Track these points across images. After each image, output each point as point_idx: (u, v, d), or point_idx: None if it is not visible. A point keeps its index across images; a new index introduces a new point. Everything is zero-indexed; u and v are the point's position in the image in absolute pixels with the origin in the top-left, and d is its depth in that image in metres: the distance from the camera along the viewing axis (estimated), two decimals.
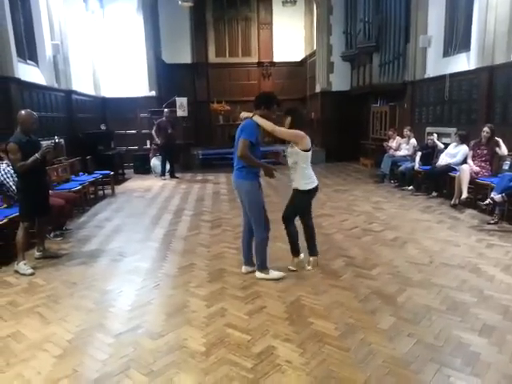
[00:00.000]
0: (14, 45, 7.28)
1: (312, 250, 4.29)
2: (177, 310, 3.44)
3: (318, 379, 2.50)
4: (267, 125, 3.78)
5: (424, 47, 9.50)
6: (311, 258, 4.28)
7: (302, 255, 4.26)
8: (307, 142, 3.94)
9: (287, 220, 4.12)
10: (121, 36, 12.44)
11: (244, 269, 4.20)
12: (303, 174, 3.99)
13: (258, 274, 4.04)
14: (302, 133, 3.93)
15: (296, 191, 4.08)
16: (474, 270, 4.13)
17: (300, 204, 4.15)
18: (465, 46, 8.11)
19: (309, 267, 4.22)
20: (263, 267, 4.04)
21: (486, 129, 6.53)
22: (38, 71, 8.85)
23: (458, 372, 2.53)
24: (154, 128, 10.63)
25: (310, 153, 4.00)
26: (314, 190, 4.07)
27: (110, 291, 3.88)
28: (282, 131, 3.92)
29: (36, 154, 4.21)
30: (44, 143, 4.73)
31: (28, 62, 8.46)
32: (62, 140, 7.88)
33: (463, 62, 8.13)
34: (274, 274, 4.02)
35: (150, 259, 4.73)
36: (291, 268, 4.20)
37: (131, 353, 2.83)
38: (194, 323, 3.22)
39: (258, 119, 3.77)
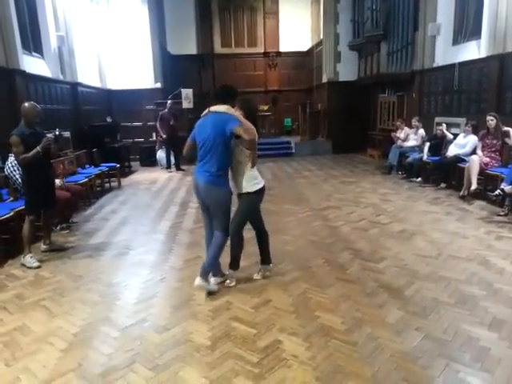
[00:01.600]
0: (18, 37, 7.25)
1: (266, 258, 3.92)
2: (182, 304, 3.43)
3: (325, 374, 2.47)
4: (242, 119, 3.36)
5: (433, 35, 9.31)
6: (262, 267, 3.91)
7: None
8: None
9: (234, 230, 3.63)
10: (126, 27, 12.37)
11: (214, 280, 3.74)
12: (249, 174, 3.54)
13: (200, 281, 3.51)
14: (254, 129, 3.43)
15: (243, 195, 3.60)
16: (483, 262, 4.07)
17: (249, 208, 3.68)
18: (475, 33, 7.94)
19: (258, 276, 3.86)
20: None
21: (489, 117, 6.43)
22: (43, 63, 8.83)
23: (467, 367, 2.49)
24: (158, 121, 10.59)
25: None
26: (262, 191, 3.64)
27: (115, 284, 3.88)
28: (249, 126, 3.37)
29: (37, 147, 4.19)
30: (49, 135, 4.71)
31: (33, 54, 8.45)
32: (64, 133, 7.85)
33: (473, 51, 7.96)
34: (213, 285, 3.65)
35: (156, 252, 4.73)
36: (230, 284, 3.75)
37: (137, 346, 2.83)
38: (200, 316, 3.20)
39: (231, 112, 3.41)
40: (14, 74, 6.91)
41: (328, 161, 11.91)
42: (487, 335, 2.81)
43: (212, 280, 3.68)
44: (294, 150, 13.39)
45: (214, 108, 3.45)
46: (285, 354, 2.67)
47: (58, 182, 5.53)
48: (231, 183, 3.60)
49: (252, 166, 3.53)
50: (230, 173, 3.61)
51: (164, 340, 2.89)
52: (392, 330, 2.92)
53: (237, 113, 3.41)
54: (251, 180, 3.56)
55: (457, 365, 2.51)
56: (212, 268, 3.63)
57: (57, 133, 4.47)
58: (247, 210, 3.67)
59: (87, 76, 10.80)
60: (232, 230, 3.61)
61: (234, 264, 3.78)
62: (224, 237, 3.58)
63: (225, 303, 3.41)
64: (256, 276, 3.87)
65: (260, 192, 3.63)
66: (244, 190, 3.56)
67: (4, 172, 5.34)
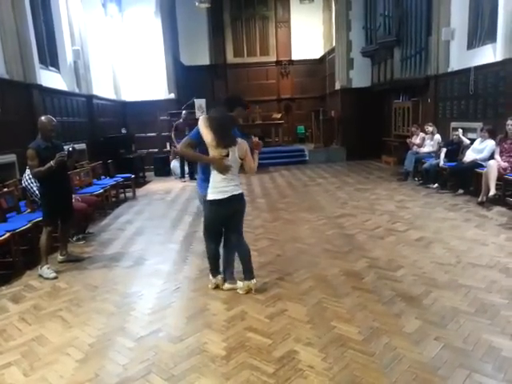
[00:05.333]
0: (36, 52, 7.46)
1: (245, 274, 3.76)
2: (197, 314, 3.42)
3: None
4: (202, 128, 3.48)
5: (447, 40, 9.22)
6: (243, 283, 3.76)
7: (219, 277, 3.88)
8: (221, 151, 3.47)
9: (204, 236, 3.84)
10: (139, 40, 12.58)
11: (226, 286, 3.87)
12: (212, 180, 3.52)
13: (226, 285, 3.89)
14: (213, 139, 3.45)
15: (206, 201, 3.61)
16: (504, 270, 3.96)
17: (207, 216, 3.68)
18: (490, 37, 7.83)
19: (240, 291, 3.75)
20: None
21: (510, 121, 6.31)
22: (60, 77, 9.03)
23: (490, 378, 2.42)
24: (173, 131, 10.68)
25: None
26: (219, 203, 3.50)
27: (131, 294, 3.89)
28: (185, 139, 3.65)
29: (51, 162, 4.26)
30: (66, 147, 4.79)
31: (49, 68, 8.64)
32: (78, 146, 8.03)
33: (489, 54, 7.85)
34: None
35: (171, 262, 4.74)
36: (209, 286, 3.88)
37: (152, 357, 2.82)
38: (215, 327, 3.19)
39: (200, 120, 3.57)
40: (31, 88, 7.09)
41: (342, 168, 11.84)
42: (510, 345, 2.72)
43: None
44: (307, 158, 13.35)
45: None
46: (301, 365, 2.64)
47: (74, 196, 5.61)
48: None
49: (222, 174, 3.47)
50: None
51: (179, 350, 2.88)
52: (410, 339, 2.86)
53: (202, 123, 3.49)
54: (211, 187, 3.52)
55: (478, 375, 2.44)
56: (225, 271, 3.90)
57: (70, 149, 4.55)
58: (204, 217, 3.73)
59: (102, 88, 11.00)
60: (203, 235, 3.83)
61: (211, 269, 3.87)
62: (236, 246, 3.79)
63: (239, 313, 3.38)
64: (239, 290, 3.75)
65: (214, 204, 3.51)
66: (207, 197, 3.57)
67: (22, 184, 5.45)
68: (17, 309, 3.70)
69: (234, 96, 3.97)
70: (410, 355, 2.67)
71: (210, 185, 3.52)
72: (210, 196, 3.52)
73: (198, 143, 3.49)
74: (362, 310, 3.33)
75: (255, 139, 3.83)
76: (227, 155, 3.45)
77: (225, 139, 3.43)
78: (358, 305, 3.41)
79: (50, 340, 3.13)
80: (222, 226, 3.77)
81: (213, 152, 3.44)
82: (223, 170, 3.46)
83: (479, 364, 2.55)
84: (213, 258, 3.83)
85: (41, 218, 4.69)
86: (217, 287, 3.87)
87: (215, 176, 3.50)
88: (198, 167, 3.80)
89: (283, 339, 2.95)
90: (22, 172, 5.57)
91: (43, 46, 8.35)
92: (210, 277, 3.90)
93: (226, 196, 3.50)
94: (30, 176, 5.21)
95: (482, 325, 2.99)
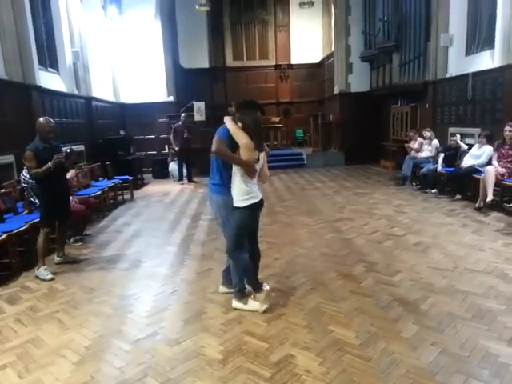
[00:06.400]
0: (35, 53, 7.43)
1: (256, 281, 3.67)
2: (194, 317, 3.41)
3: None
4: (232, 129, 3.33)
5: (445, 46, 9.28)
6: (260, 294, 3.59)
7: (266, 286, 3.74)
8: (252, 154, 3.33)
9: (229, 249, 3.48)
10: (139, 42, 12.59)
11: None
12: (240, 187, 3.33)
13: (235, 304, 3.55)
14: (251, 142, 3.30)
15: (235, 209, 3.38)
16: (501, 275, 3.97)
17: (238, 225, 3.40)
18: (488, 43, 7.88)
19: (262, 308, 3.46)
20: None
21: (508, 127, 6.33)
22: (59, 78, 9.02)
23: None
24: (172, 133, 10.69)
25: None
26: (254, 207, 3.39)
27: (127, 297, 3.88)
28: (239, 137, 3.32)
29: (49, 163, 4.25)
30: (64, 148, 4.79)
31: (49, 69, 8.64)
32: (77, 147, 8.06)
33: (487, 60, 7.89)
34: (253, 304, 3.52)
35: (168, 264, 4.73)
36: (260, 309, 3.45)
37: (148, 360, 2.81)
38: (212, 330, 3.18)
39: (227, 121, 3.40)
40: (31, 89, 7.08)
41: (340, 172, 11.86)
42: (506, 351, 2.72)
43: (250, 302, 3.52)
44: (305, 162, 13.37)
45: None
46: (298, 369, 2.63)
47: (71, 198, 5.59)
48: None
49: (251, 178, 3.34)
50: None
51: (176, 353, 2.87)
52: (407, 344, 2.85)
53: (233, 124, 3.37)
54: (241, 194, 3.34)
55: (475, 381, 2.44)
56: (236, 287, 3.53)
57: (68, 150, 4.55)
58: (236, 226, 3.40)
59: (101, 90, 11.00)
60: (227, 249, 3.50)
61: (252, 284, 3.59)
62: (228, 253, 3.53)
63: (237, 316, 3.37)
64: (261, 307, 3.45)
65: (250, 208, 3.36)
66: (234, 204, 3.37)
67: (20, 185, 5.43)
68: (13, 310, 3.68)
69: (251, 101, 3.76)
70: (408, 360, 2.67)
71: (239, 190, 3.33)
72: (244, 202, 3.33)
73: (228, 145, 3.34)
74: (359, 314, 3.32)
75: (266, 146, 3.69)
76: (258, 159, 3.37)
77: (261, 143, 3.39)
78: (355, 309, 3.41)
79: (46, 342, 3.11)
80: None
81: (246, 155, 3.27)
82: (253, 173, 3.35)
83: (476, 370, 2.55)
84: (250, 270, 3.54)
85: (38, 220, 4.68)
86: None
87: (244, 181, 3.33)
88: (215, 172, 3.48)
89: (280, 343, 2.94)
90: (20, 173, 5.54)
91: (43, 48, 8.34)
92: (252, 298, 3.53)
93: (258, 200, 3.42)
94: (28, 177, 5.21)
95: (479, 330, 2.99)
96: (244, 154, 3.27)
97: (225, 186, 3.43)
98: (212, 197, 3.55)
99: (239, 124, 3.34)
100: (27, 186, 5.24)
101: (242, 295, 3.52)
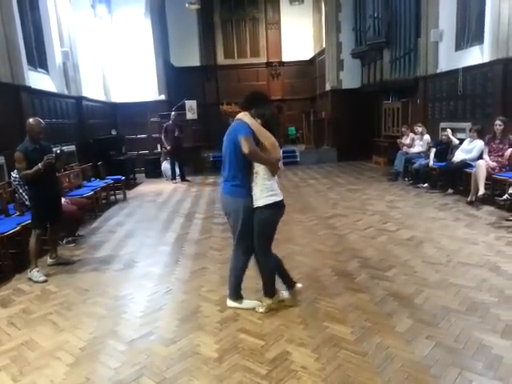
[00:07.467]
0: (24, 53, 7.35)
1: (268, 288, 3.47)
2: (189, 316, 3.40)
3: None
4: (256, 127, 3.16)
5: (435, 41, 9.31)
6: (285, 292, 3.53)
7: (299, 285, 3.63)
8: (278, 151, 3.24)
9: (258, 254, 3.32)
10: (129, 41, 12.49)
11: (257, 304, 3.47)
12: (263, 184, 3.19)
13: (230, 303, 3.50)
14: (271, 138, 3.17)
15: (256, 210, 3.21)
16: (494, 268, 4.00)
17: (264, 226, 3.25)
18: (478, 38, 7.92)
19: (261, 310, 3.39)
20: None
21: (498, 122, 6.38)
22: (49, 78, 8.93)
23: (481, 376, 2.44)
24: (163, 132, 10.63)
25: None
26: (279, 205, 3.25)
27: (122, 297, 3.86)
28: (265, 135, 3.15)
29: (39, 164, 4.20)
30: (54, 149, 4.74)
31: (38, 69, 8.54)
32: (67, 147, 8.00)
33: (476, 55, 7.94)
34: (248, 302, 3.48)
35: (162, 264, 4.71)
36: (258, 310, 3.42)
37: (144, 360, 2.80)
38: (207, 328, 3.17)
39: (247, 118, 3.20)
40: (20, 89, 6.98)
41: (333, 169, 11.89)
42: (500, 343, 2.75)
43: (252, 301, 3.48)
44: (298, 159, 13.39)
45: (237, 116, 3.30)
46: (294, 366, 2.63)
47: (63, 199, 5.54)
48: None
49: (273, 175, 3.22)
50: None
51: (171, 353, 2.86)
52: (402, 339, 2.87)
53: (256, 121, 3.17)
54: (265, 191, 3.17)
55: (470, 373, 2.46)
56: (231, 290, 3.47)
57: (58, 151, 4.49)
58: (261, 229, 3.24)
59: (92, 90, 10.90)
60: (257, 253, 3.32)
61: (267, 289, 3.41)
62: (237, 259, 3.38)
63: (232, 314, 3.37)
64: (260, 309, 3.39)
65: (273, 207, 3.20)
66: (255, 204, 3.19)
67: (11, 187, 5.38)
68: (5, 313, 3.64)
69: (262, 93, 3.53)
70: (402, 354, 2.68)
71: (263, 188, 3.17)
72: (268, 199, 3.16)
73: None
74: (354, 309, 3.34)
75: None
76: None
77: (280, 138, 3.26)
78: (350, 305, 3.42)
79: (40, 344, 3.09)
80: None
81: (274, 153, 3.16)
82: (277, 171, 3.24)
83: (470, 362, 2.57)
84: (276, 272, 3.42)
85: (30, 221, 4.63)
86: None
87: (267, 178, 3.19)
88: (234, 172, 3.22)
89: (276, 340, 2.94)
90: (11, 174, 5.48)
91: (31, 47, 8.24)
92: (263, 298, 3.43)
93: (282, 198, 3.27)
94: (18, 178, 5.16)
95: (473, 323, 3.02)
96: (272, 152, 3.14)
97: (246, 187, 3.22)
98: (232, 200, 3.26)
99: (258, 120, 3.18)
100: (18, 187, 5.19)
101: (239, 297, 3.48)
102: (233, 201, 3.25)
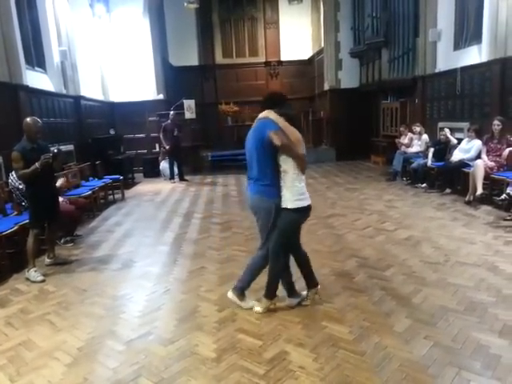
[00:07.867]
0: (22, 53, 7.32)
1: (312, 281, 3.54)
2: (187, 315, 3.40)
3: None
4: (282, 123, 3.17)
5: (434, 41, 9.32)
6: (310, 292, 3.53)
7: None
8: (303, 147, 3.25)
9: (271, 251, 3.28)
10: (128, 40, 12.47)
11: (288, 301, 3.51)
12: (293, 187, 3.17)
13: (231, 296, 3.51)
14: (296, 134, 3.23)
15: (283, 211, 3.20)
16: (492, 268, 4.01)
17: (287, 227, 3.24)
18: (476, 38, 7.93)
19: (307, 302, 3.48)
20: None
21: (496, 122, 6.39)
22: (47, 78, 8.90)
23: (479, 376, 2.44)
24: (161, 132, 10.61)
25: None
26: (305, 210, 3.23)
27: (120, 297, 3.85)
28: (290, 131, 3.17)
29: (36, 164, 4.19)
30: (52, 148, 4.73)
31: (36, 68, 8.51)
32: (65, 147, 7.99)
33: (475, 55, 7.95)
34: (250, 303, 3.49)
35: (161, 264, 4.70)
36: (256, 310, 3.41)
37: (142, 360, 2.80)
38: (205, 328, 3.17)
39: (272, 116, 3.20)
40: (18, 89, 6.96)
41: (332, 168, 11.89)
42: (498, 342, 2.76)
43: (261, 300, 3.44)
44: None
45: (259, 115, 3.32)
46: (292, 366, 2.63)
47: (61, 199, 5.53)
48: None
49: (302, 172, 3.21)
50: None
51: (169, 353, 2.86)
52: (400, 338, 2.87)
53: (280, 119, 3.18)
54: (295, 194, 3.15)
55: (467, 373, 2.46)
56: (238, 288, 3.46)
57: (55, 150, 4.47)
58: (284, 229, 3.22)
59: (90, 89, 10.87)
60: (270, 250, 3.28)
61: (268, 291, 3.39)
62: (261, 258, 3.36)
63: (230, 314, 3.37)
64: (307, 302, 3.48)
65: (302, 211, 3.20)
66: (283, 205, 3.17)
67: (8, 186, 5.36)
68: (3, 313, 3.63)
69: (282, 94, 3.60)
70: (401, 354, 2.69)
71: (293, 190, 3.15)
72: (296, 203, 3.15)
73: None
74: (352, 309, 3.34)
75: None
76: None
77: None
78: (348, 304, 3.42)
79: (38, 344, 3.08)
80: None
81: (300, 149, 3.17)
82: (305, 168, 3.23)
83: (468, 362, 2.57)
84: (282, 275, 3.43)
85: (27, 221, 4.62)
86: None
87: (297, 180, 3.18)
88: (262, 171, 3.20)
89: (274, 340, 2.94)
90: (9, 174, 5.47)
91: (29, 47, 8.21)
92: (262, 299, 3.41)
93: (310, 203, 3.26)
94: (16, 178, 5.14)
95: (471, 323, 3.02)
96: (298, 147, 3.15)
97: (276, 186, 3.19)
98: (263, 200, 3.23)
99: (281, 118, 3.19)
100: (16, 187, 5.17)
101: (242, 294, 3.47)
102: (264, 201, 3.23)
